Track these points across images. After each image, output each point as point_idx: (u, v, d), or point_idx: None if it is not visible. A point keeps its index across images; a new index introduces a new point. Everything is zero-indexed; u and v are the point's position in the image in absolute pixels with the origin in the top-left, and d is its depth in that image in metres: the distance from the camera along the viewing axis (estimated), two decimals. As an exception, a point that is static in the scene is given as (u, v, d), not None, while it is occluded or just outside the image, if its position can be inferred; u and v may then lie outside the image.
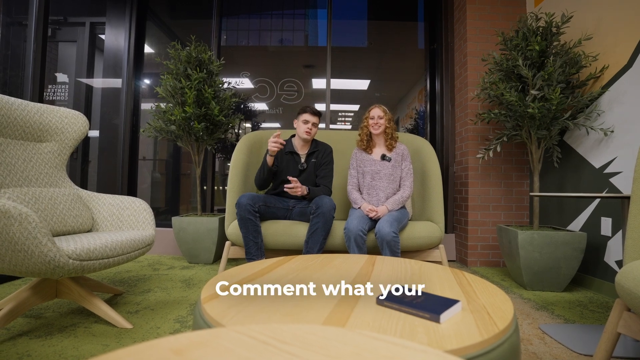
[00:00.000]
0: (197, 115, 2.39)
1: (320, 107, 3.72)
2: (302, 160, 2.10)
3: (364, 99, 4.21)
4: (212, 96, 2.43)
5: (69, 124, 1.84)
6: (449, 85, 3.09)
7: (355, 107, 5.57)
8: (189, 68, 2.51)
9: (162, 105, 2.55)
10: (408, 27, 3.62)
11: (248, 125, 3.52)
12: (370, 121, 2.06)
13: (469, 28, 2.80)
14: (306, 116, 2.03)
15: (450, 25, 3.11)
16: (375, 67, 4.05)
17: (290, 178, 1.84)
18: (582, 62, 2.01)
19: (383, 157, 2.03)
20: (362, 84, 5.10)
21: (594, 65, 2.06)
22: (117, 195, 1.83)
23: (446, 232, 2.94)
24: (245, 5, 3.77)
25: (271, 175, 2.05)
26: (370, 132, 2.07)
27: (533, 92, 2.01)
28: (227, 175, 3.55)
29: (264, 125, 3.49)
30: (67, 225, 1.60)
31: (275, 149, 1.89)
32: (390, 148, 2.05)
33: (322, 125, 3.47)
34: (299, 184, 1.85)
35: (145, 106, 3.42)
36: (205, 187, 3.19)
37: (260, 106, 3.46)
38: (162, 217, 3.39)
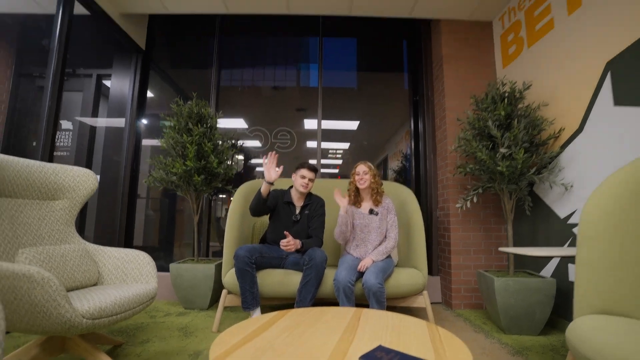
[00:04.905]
0: (196, 168, 2.57)
1: (311, 144, 3.97)
2: (297, 211, 2.28)
3: (353, 139, 4.50)
4: (211, 150, 2.63)
5: (81, 182, 2.00)
6: (431, 136, 3.35)
7: (345, 145, 5.86)
8: (190, 123, 2.73)
9: (163, 157, 2.73)
10: (395, 76, 3.96)
11: (240, 157, 3.72)
12: (356, 177, 2.27)
13: (446, 85, 3.10)
14: (304, 172, 2.23)
15: (430, 81, 3.42)
16: (364, 109, 4.37)
17: (285, 233, 2.01)
18: (542, 125, 2.27)
19: (371, 211, 2.22)
20: (352, 125, 5.40)
21: (553, 126, 2.33)
22: (122, 249, 1.96)
23: (432, 274, 3.09)
24: (241, 60, 4.08)
25: (263, 205, 2.14)
26: (357, 188, 2.27)
27: (502, 150, 2.26)
28: (219, 211, 3.70)
29: (254, 161, 3.71)
30: (76, 280, 1.72)
31: (274, 175, 2.07)
32: (376, 203, 2.24)
33: (313, 159, 3.68)
34: (292, 241, 2.00)
35: (146, 143, 3.62)
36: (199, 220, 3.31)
37: (253, 143, 3.70)
38: (154, 256, 3.47)
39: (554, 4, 2.40)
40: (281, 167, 2.10)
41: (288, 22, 3.71)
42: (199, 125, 2.70)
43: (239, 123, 4.53)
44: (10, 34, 3.72)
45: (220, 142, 2.83)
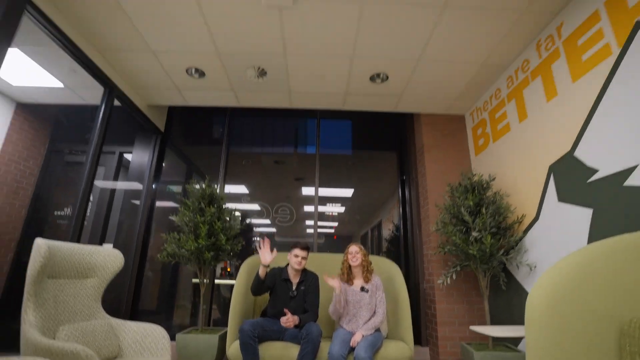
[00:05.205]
0: (207, 245, 2.90)
1: (309, 208, 4.35)
2: (294, 288, 2.56)
3: (349, 204, 4.93)
4: (220, 229, 2.98)
5: (110, 261, 2.31)
6: (416, 212, 3.73)
7: (342, 209, 6.27)
8: (203, 203, 3.11)
9: (176, 233, 3.06)
10: (386, 154, 4.47)
11: (237, 213, 4.03)
12: (349, 255, 2.60)
13: (427, 170, 3.57)
14: (297, 251, 2.56)
15: (415, 164, 3.90)
16: (359, 176, 4.86)
17: (285, 310, 2.28)
18: (505, 213, 2.67)
19: (362, 288, 2.52)
20: (347, 192, 5.85)
21: (516, 213, 2.73)
22: (140, 323, 2.21)
23: (421, 345, 3.26)
24: (247, 137, 4.64)
25: (262, 285, 2.46)
26: (350, 265, 2.59)
27: (474, 234, 2.62)
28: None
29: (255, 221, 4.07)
30: (102, 354, 1.96)
31: (269, 258, 2.39)
32: (366, 280, 2.55)
33: (310, 221, 4.01)
34: (290, 318, 2.28)
35: (160, 204, 4.04)
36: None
37: (253, 207, 4.07)
38: (155, 320, 3.64)
39: (508, 111, 2.94)
40: (275, 250, 2.44)
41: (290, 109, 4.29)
42: (211, 206, 3.08)
43: (241, 189, 4.98)
44: (50, 117, 4.28)
45: (228, 218, 3.19)
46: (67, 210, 4.19)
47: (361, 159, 5.07)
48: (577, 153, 2.15)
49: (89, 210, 4.16)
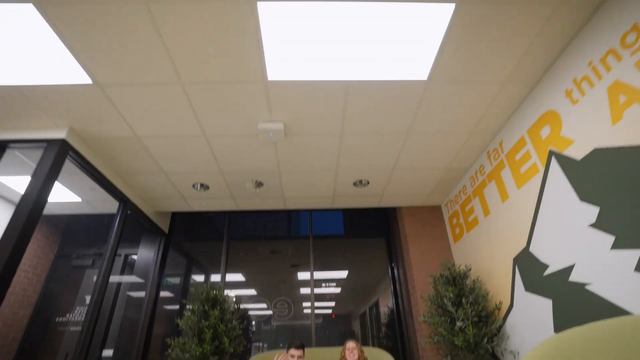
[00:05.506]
0: (211, 349, 3.04)
1: (305, 290, 4.50)
2: (296, 388, 2.68)
3: (345, 282, 5.10)
4: (224, 331, 3.15)
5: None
6: (407, 299, 3.95)
7: (337, 290, 6.40)
8: (207, 305, 3.31)
9: (182, 338, 3.20)
10: (377, 241, 4.79)
11: (232, 295, 4.10)
12: (347, 351, 2.77)
13: (412, 259, 3.88)
14: (292, 351, 2.72)
15: (401, 252, 4.23)
16: (353, 258, 5.11)
17: None
18: (483, 302, 2.94)
19: (359, 385, 2.65)
20: (342, 274, 6.04)
21: (493, 300, 3.00)
22: None
23: None
24: (245, 231, 4.99)
25: None
26: (347, 361, 2.75)
27: (458, 323, 2.85)
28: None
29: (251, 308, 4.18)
30: None
31: None
32: (363, 376, 2.69)
33: (307, 302, 4.11)
34: None
35: (163, 294, 4.14)
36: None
37: (250, 291, 4.22)
38: None
39: (475, 207, 3.40)
40: None
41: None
42: (214, 309, 3.28)
43: (238, 277, 5.17)
44: (60, 224, 4.61)
45: (232, 321, 3.37)
46: (70, 316, 4.28)
47: (353, 244, 5.40)
48: (532, 249, 2.53)
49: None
